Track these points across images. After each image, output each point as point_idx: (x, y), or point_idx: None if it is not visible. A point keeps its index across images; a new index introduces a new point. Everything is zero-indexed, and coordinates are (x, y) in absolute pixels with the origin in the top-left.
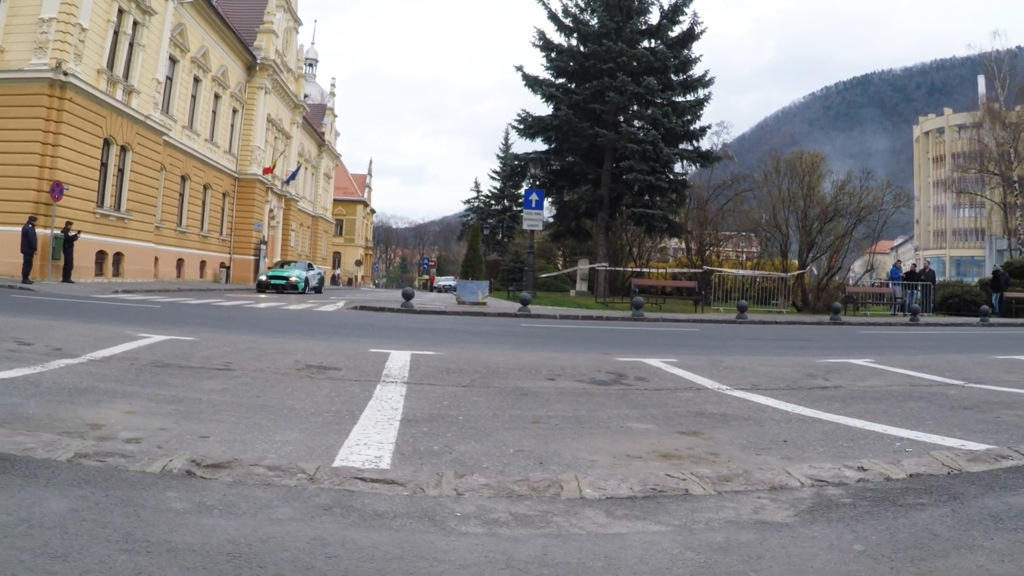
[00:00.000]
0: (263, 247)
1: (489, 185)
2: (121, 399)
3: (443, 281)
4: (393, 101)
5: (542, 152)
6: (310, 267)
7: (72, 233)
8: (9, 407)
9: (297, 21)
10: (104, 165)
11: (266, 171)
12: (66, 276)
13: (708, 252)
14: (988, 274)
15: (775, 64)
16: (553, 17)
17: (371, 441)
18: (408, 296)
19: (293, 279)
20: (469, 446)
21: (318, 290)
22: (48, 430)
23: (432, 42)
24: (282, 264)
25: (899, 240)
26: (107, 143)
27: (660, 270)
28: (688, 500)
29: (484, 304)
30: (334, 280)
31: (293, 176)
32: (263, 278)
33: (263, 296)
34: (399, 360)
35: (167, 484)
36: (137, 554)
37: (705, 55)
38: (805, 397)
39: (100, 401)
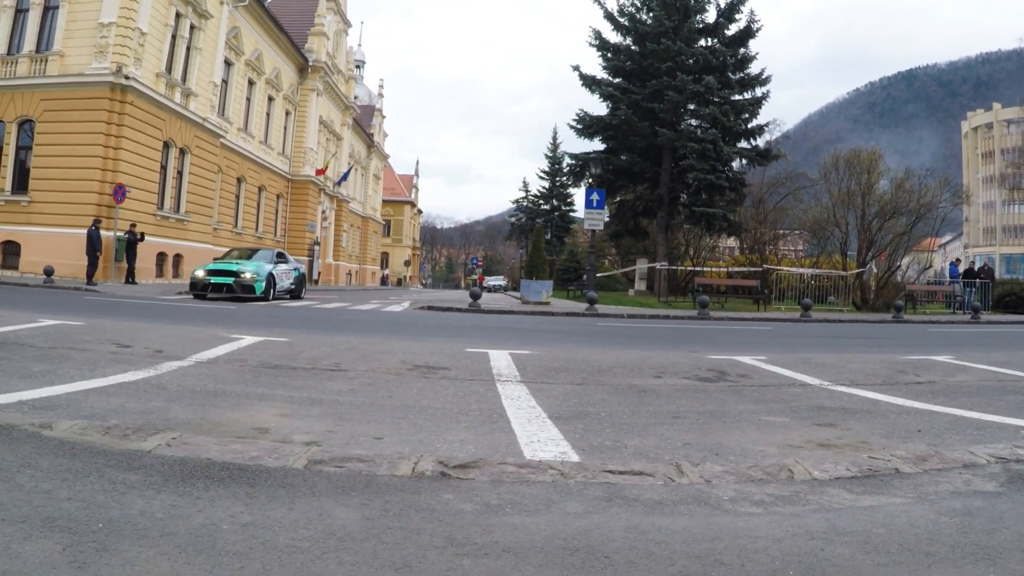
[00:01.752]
0: (316, 248)
1: (537, 185)
2: (259, 401)
3: (492, 281)
4: (433, 102)
5: (600, 152)
6: (280, 257)
7: (138, 235)
8: (158, 412)
9: (347, 23)
10: (164, 168)
11: (319, 172)
12: (129, 278)
13: (767, 251)
14: None
15: (816, 60)
16: (609, 16)
17: (543, 438)
18: (476, 296)
19: (247, 276)
20: (636, 440)
21: (295, 294)
22: (222, 435)
23: (469, 43)
24: (232, 254)
25: (948, 238)
26: (166, 146)
27: (718, 269)
28: (903, 477)
29: (548, 304)
30: (383, 280)
31: (345, 177)
32: (199, 273)
33: (204, 302)
34: (501, 359)
35: (433, 487)
36: (477, 557)
37: (759, 51)
38: (907, 392)
39: (241, 405)
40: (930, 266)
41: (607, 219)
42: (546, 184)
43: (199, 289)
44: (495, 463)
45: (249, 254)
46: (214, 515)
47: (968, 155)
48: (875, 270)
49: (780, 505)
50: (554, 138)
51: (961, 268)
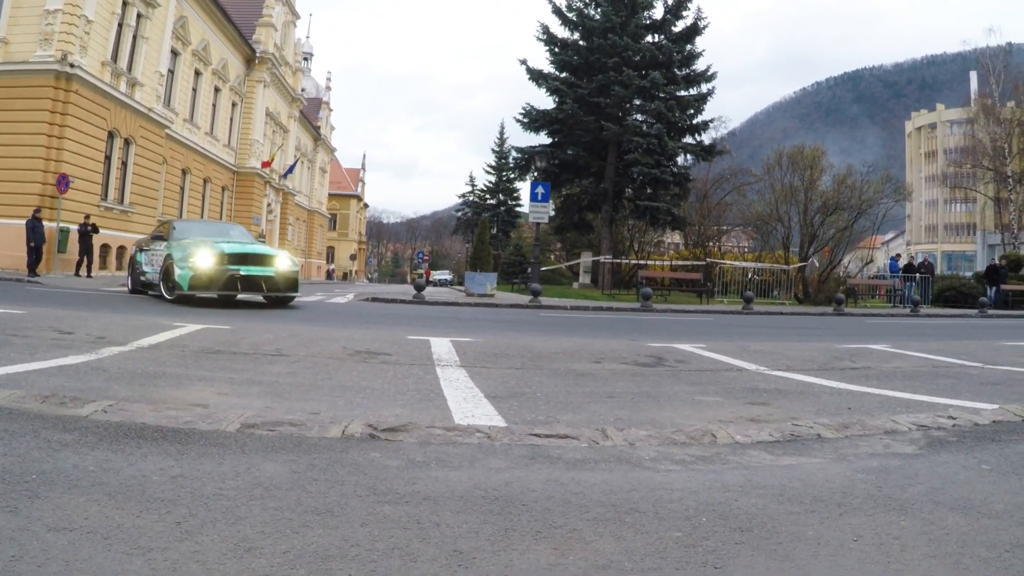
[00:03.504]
0: (262, 241)
1: (484, 179)
2: (200, 382)
3: (438, 275)
4: (382, 95)
5: (546, 145)
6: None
7: (90, 226)
8: (98, 390)
9: (295, 14)
10: (108, 158)
11: (264, 165)
12: (86, 270)
13: (709, 245)
14: (980, 269)
15: (766, 59)
16: (557, 12)
17: (477, 413)
18: (420, 288)
19: (286, 268)
20: (570, 416)
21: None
22: (163, 407)
23: (419, 37)
24: (181, 233)
25: (890, 235)
26: (111, 136)
27: (662, 263)
28: (824, 442)
29: (493, 296)
30: (329, 275)
31: (291, 170)
32: (211, 263)
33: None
34: (442, 346)
35: (362, 447)
36: (398, 504)
37: (705, 48)
38: (842, 376)
39: (181, 384)
40: (871, 260)
41: (552, 213)
42: (493, 179)
43: (226, 288)
44: (424, 427)
45: (217, 232)
46: (145, 468)
47: (911, 154)
48: (817, 264)
49: (700, 464)
50: (501, 133)
51: (901, 263)
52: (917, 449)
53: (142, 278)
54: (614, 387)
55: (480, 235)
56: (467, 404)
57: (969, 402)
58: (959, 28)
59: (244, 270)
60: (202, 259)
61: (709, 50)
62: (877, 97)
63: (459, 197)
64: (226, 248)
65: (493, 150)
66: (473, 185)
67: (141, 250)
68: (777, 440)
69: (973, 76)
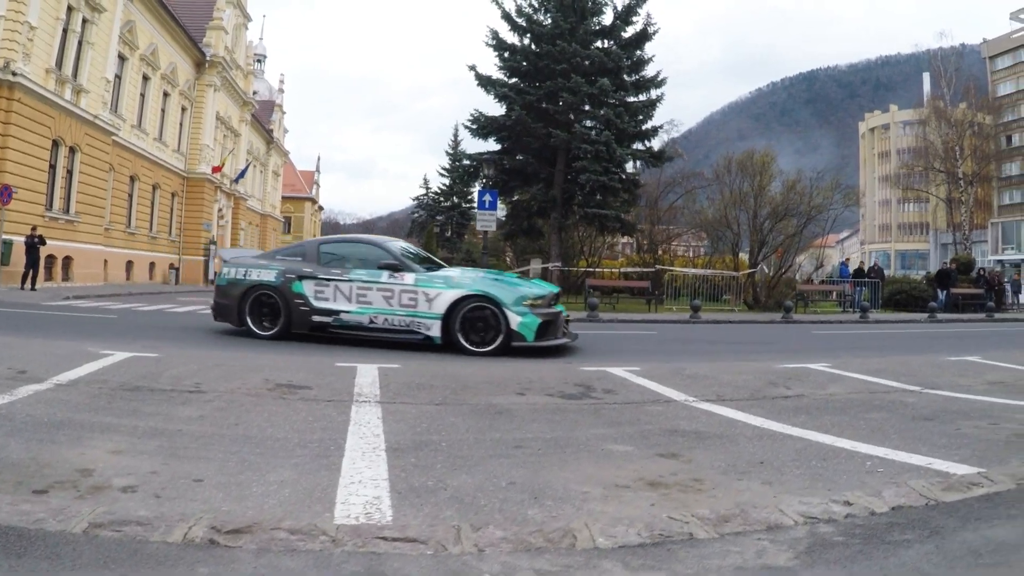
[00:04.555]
0: (212, 247)
1: (438, 182)
2: (101, 434)
3: None
4: (339, 97)
5: (495, 152)
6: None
7: (36, 238)
8: None
9: (247, 17)
10: (53, 167)
11: (215, 170)
12: (30, 283)
13: (660, 250)
14: (932, 267)
15: (722, 61)
16: (507, 17)
17: (364, 478)
18: None
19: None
20: (461, 479)
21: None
22: (40, 480)
23: (379, 38)
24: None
25: (845, 234)
26: (56, 144)
27: (613, 269)
28: (695, 545)
29: None
30: None
31: (242, 174)
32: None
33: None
34: (367, 376)
35: (195, 558)
36: None
37: (655, 53)
38: (771, 408)
39: (81, 438)
40: (821, 266)
41: (503, 217)
42: (447, 181)
43: (557, 335)
44: (269, 528)
45: (417, 258)
46: None
47: (865, 155)
48: (767, 270)
49: None
50: (455, 136)
51: (852, 268)
52: (792, 558)
53: (315, 318)
54: (527, 431)
55: (426, 244)
56: (362, 462)
57: (892, 451)
58: (913, 29)
59: (563, 311)
60: (543, 300)
61: (664, 52)
62: (832, 98)
63: (413, 200)
64: (543, 284)
65: (447, 153)
66: (427, 188)
67: (301, 278)
68: (643, 543)
69: (926, 78)
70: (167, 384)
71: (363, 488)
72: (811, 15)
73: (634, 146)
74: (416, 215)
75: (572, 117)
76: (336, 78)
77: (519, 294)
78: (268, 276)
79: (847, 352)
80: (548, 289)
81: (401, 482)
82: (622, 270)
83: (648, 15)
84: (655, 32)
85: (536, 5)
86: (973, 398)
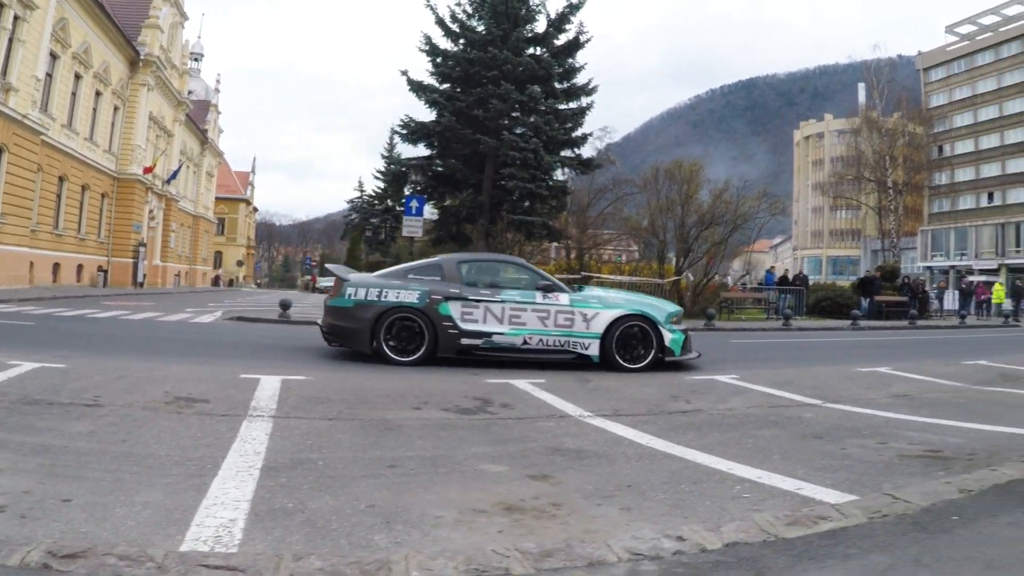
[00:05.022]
0: (142, 249)
1: (374, 184)
2: None
3: (325, 282)
4: (284, 96)
5: (424, 157)
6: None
7: None
8: None
9: (183, 15)
10: None
11: (147, 171)
12: None
13: (587, 257)
14: (863, 273)
15: (663, 67)
16: (440, 23)
17: (228, 499)
18: (286, 307)
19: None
20: (323, 502)
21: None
22: None
23: (326, 35)
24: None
25: (778, 239)
26: None
27: None
28: None
29: None
30: (215, 281)
31: (174, 175)
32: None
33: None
34: (269, 388)
35: None
36: None
37: (592, 57)
38: (663, 425)
39: None
40: (747, 273)
41: (432, 220)
42: (382, 184)
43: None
44: (102, 553)
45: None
46: None
47: (799, 162)
48: (691, 278)
49: None
50: (391, 139)
51: (777, 275)
52: None
53: (463, 341)
54: (409, 448)
55: (351, 250)
56: (232, 482)
57: (767, 474)
58: (855, 39)
59: None
60: (680, 316)
61: (604, 58)
62: (770, 105)
63: (347, 202)
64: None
65: (383, 155)
66: (362, 191)
67: (448, 299)
68: None
69: (861, 88)
70: (67, 397)
71: (223, 510)
72: (752, 23)
73: (563, 153)
74: (350, 218)
75: (502, 123)
76: (281, 76)
77: (667, 312)
78: (410, 297)
79: (761, 362)
80: (678, 307)
81: (263, 504)
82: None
83: (581, 23)
84: (587, 40)
85: (470, 11)
86: (872, 413)
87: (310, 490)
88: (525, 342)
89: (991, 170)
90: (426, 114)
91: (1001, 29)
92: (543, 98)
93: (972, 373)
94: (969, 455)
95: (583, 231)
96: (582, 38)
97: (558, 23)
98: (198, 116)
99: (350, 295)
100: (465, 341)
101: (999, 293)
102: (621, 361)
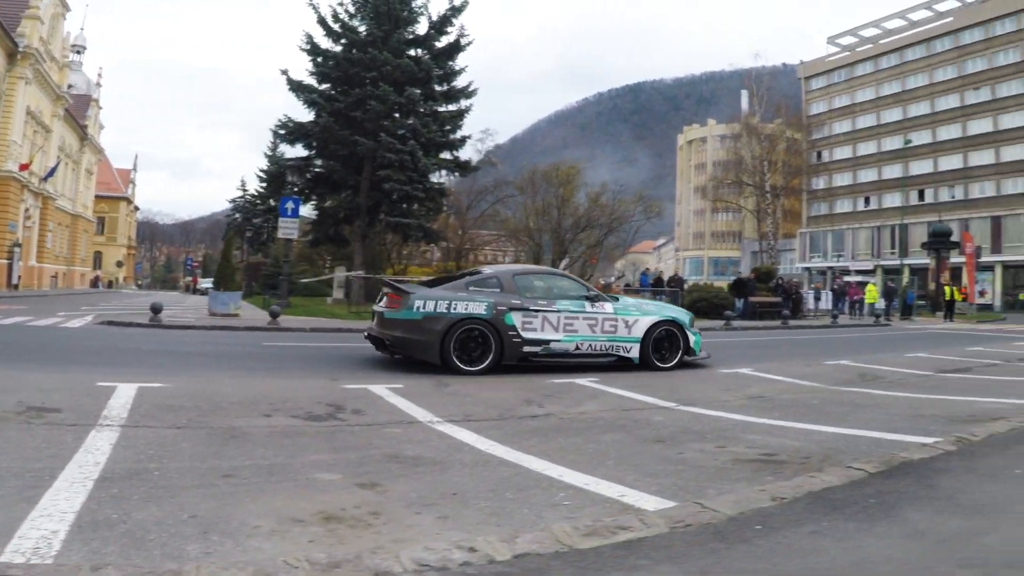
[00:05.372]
0: (17, 250)
1: (257, 184)
2: None
3: (206, 283)
4: (170, 90)
5: (302, 158)
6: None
7: None
8: None
9: (65, 6)
10: None
11: (23, 168)
12: None
13: (470, 257)
14: (743, 273)
15: (554, 69)
16: (322, 22)
17: (56, 511)
18: (157, 310)
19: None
20: (148, 513)
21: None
22: None
23: (212, 30)
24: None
25: (661, 241)
26: None
27: (417, 278)
28: None
29: (237, 315)
30: (94, 283)
31: (52, 173)
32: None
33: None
34: (124, 396)
35: None
36: None
37: (484, 59)
38: (510, 430)
39: None
40: (622, 275)
41: (311, 224)
42: (265, 184)
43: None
44: None
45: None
46: None
47: (682, 166)
48: None
49: None
50: (274, 138)
51: (652, 277)
52: None
53: (525, 348)
54: (248, 457)
55: (225, 251)
56: (63, 494)
57: (595, 480)
58: (739, 47)
59: None
60: (693, 320)
61: (498, 59)
62: (656, 110)
63: (229, 202)
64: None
65: (266, 155)
66: (244, 190)
67: (512, 310)
68: None
69: (744, 95)
70: None
71: (48, 522)
72: (643, 30)
73: (442, 155)
74: (233, 218)
75: (382, 125)
76: (168, 71)
77: (688, 317)
78: (478, 309)
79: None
80: (691, 312)
81: (88, 515)
82: (421, 279)
83: (462, 26)
84: (469, 43)
85: (352, 11)
86: (722, 416)
87: (139, 501)
88: (577, 348)
89: (868, 175)
90: (306, 114)
91: (881, 41)
92: (422, 100)
93: (832, 373)
94: (804, 459)
95: (463, 233)
96: (463, 41)
97: (440, 25)
98: (78, 111)
99: (418, 308)
100: (526, 349)
101: (872, 293)
102: (656, 362)
